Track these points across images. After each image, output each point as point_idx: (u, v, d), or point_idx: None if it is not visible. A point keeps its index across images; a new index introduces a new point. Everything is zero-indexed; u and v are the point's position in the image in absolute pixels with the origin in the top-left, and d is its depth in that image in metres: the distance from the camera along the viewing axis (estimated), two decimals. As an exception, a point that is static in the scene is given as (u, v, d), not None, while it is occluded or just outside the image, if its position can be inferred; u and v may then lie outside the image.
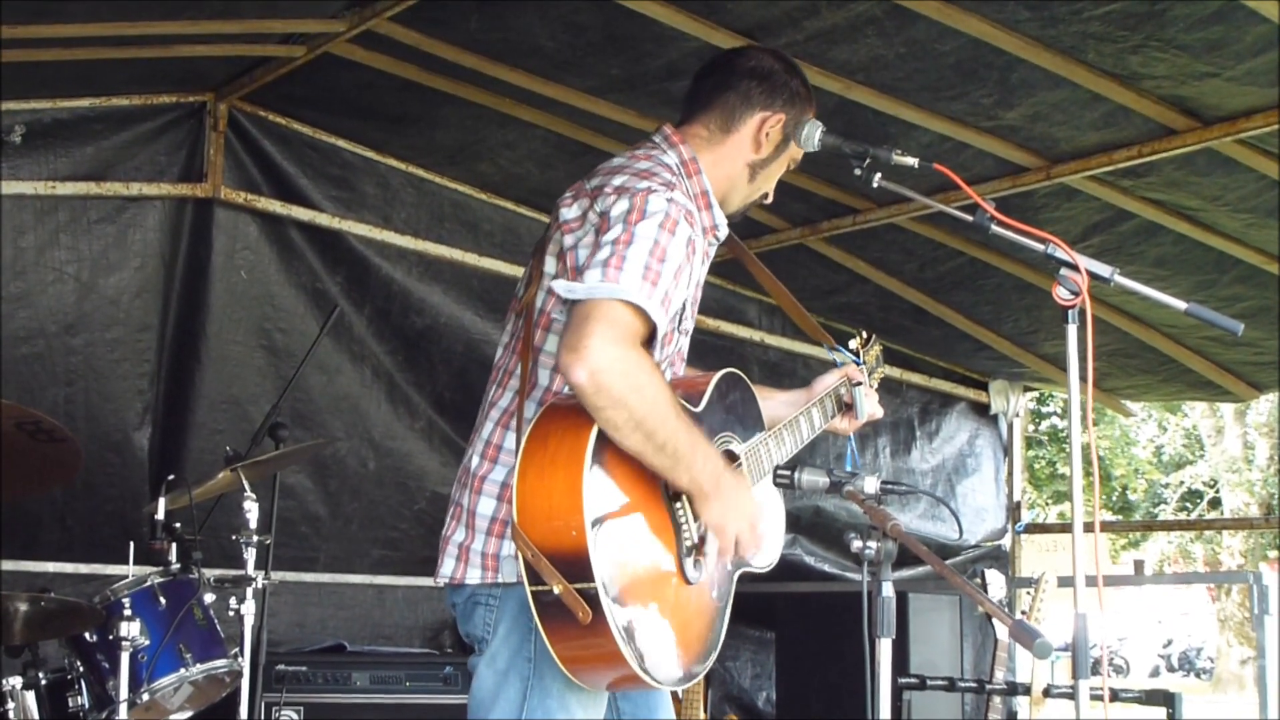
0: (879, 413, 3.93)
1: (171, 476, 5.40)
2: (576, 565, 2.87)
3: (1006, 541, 9.83)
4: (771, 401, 3.71)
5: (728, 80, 3.47)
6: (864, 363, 4.02)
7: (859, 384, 3.87)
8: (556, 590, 2.87)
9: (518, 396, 3.22)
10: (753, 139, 3.44)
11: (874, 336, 4.13)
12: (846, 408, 3.89)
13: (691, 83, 3.56)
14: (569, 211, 3.26)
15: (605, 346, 2.87)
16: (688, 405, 3.21)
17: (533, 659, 3.12)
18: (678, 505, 3.13)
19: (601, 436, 2.94)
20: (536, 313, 3.27)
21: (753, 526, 3.21)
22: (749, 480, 3.39)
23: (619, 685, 3.17)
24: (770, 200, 3.63)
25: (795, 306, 4.00)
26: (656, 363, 3.24)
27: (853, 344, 4.03)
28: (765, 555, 3.51)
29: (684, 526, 3.14)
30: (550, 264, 3.24)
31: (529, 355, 3.25)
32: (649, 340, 3.02)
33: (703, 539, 3.19)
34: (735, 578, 3.38)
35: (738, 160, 3.45)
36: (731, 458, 3.37)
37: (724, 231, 3.47)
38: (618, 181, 3.19)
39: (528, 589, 2.95)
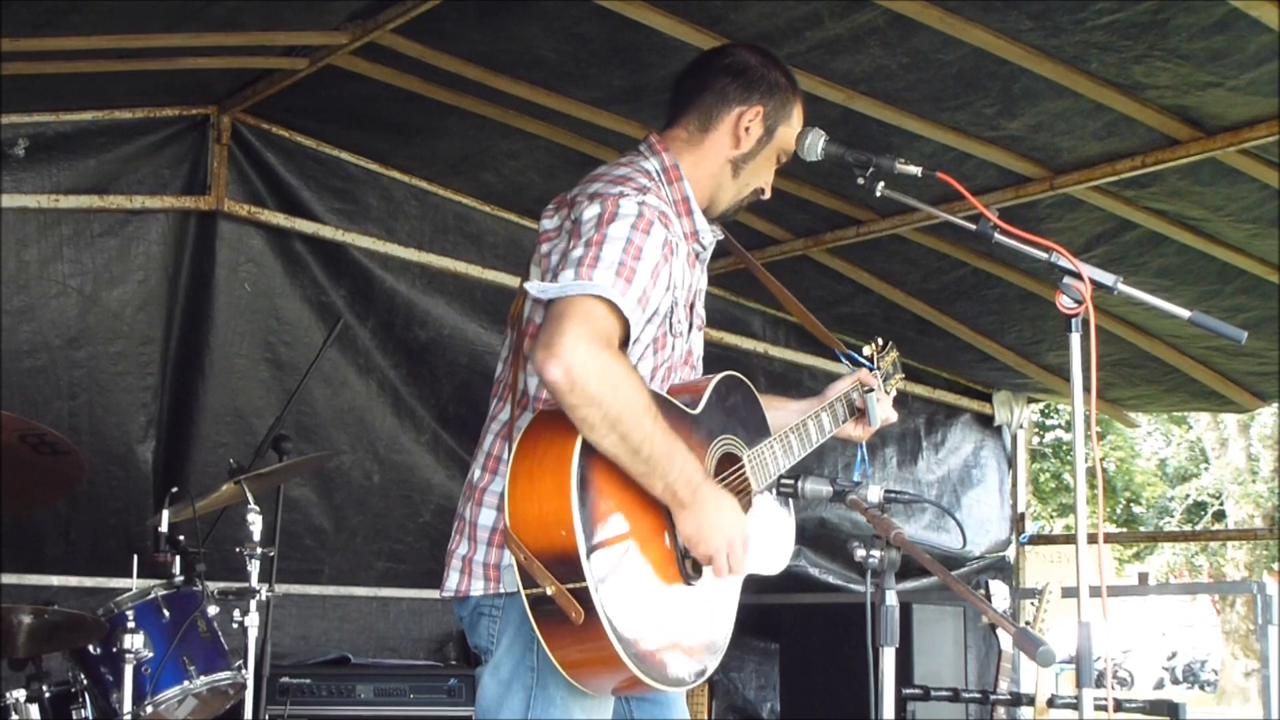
0: (893, 417, 3.89)
1: (175, 489, 5.38)
2: (567, 565, 2.86)
3: (1010, 553, 9.82)
4: (782, 411, 3.67)
5: (704, 80, 3.46)
6: (878, 369, 3.99)
7: (871, 390, 3.84)
8: (549, 591, 2.87)
9: (513, 408, 3.22)
10: (731, 135, 3.41)
11: (890, 343, 4.08)
12: (859, 413, 3.85)
13: (673, 86, 3.55)
14: (549, 223, 3.28)
15: (579, 344, 2.85)
16: (685, 408, 3.20)
17: (535, 668, 3.11)
18: None
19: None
20: (524, 323, 3.28)
21: (733, 548, 3.12)
22: (754, 484, 3.37)
23: (622, 689, 3.15)
24: (768, 196, 3.60)
25: (805, 314, 3.99)
26: (654, 367, 3.25)
27: (866, 350, 3.99)
28: (772, 560, 3.49)
29: None
30: (534, 274, 3.24)
31: (519, 366, 3.26)
32: (625, 340, 3.00)
33: None
34: (741, 579, 3.35)
35: (718, 157, 3.43)
36: (733, 461, 3.34)
37: (707, 238, 3.44)
38: (592, 189, 3.19)
39: (523, 593, 2.94)
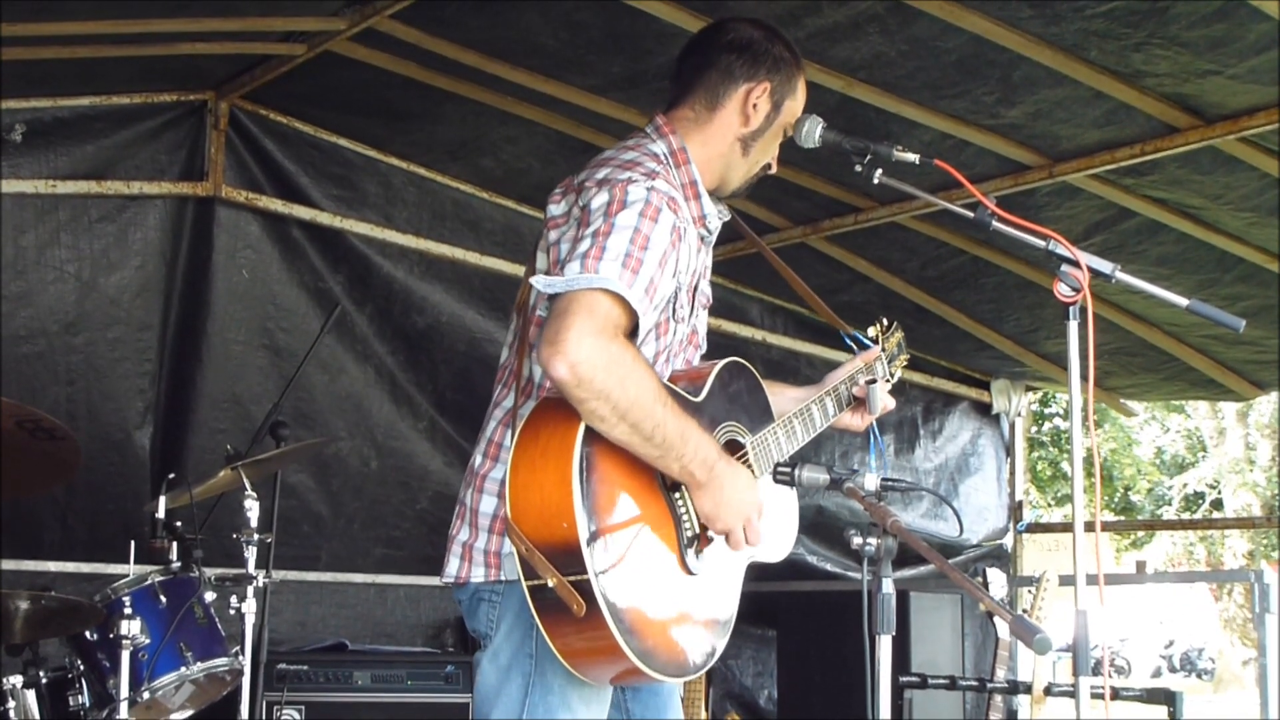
0: (891, 404, 3.82)
1: (172, 475, 5.39)
2: (569, 557, 2.86)
3: (1008, 541, 9.83)
4: (782, 398, 3.65)
5: (708, 58, 3.43)
6: (883, 350, 3.96)
7: (873, 381, 3.80)
8: (550, 583, 2.87)
9: (518, 395, 3.22)
10: (740, 112, 3.39)
11: (894, 324, 4.05)
12: (857, 402, 3.81)
13: (675, 65, 3.52)
14: (556, 208, 3.25)
15: (584, 338, 2.84)
16: (688, 395, 3.19)
17: (534, 655, 3.11)
18: (676, 495, 3.11)
19: (591, 428, 2.92)
20: (530, 310, 3.27)
21: (750, 521, 3.17)
22: (756, 470, 3.34)
23: (622, 679, 3.15)
24: (775, 170, 3.59)
25: (811, 295, 3.97)
26: (656, 352, 3.24)
27: (871, 331, 3.96)
28: (776, 547, 3.48)
29: (684, 517, 3.12)
30: (541, 260, 3.23)
31: (524, 353, 3.25)
32: (633, 330, 2.99)
33: (705, 528, 3.16)
34: (744, 569, 3.34)
35: (727, 136, 3.40)
36: (736, 447, 3.32)
37: (714, 222, 3.43)
38: (601, 174, 3.17)
39: (524, 583, 2.94)
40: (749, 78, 3.39)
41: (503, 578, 3.15)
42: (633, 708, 3.46)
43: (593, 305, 2.89)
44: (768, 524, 3.32)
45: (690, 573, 3.12)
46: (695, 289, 3.39)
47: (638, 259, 2.97)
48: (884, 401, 3.79)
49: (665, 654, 3.02)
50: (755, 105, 3.40)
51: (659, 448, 2.97)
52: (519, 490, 2.95)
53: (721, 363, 3.39)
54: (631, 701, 3.46)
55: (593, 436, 2.93)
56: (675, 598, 3.09)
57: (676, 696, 3.54)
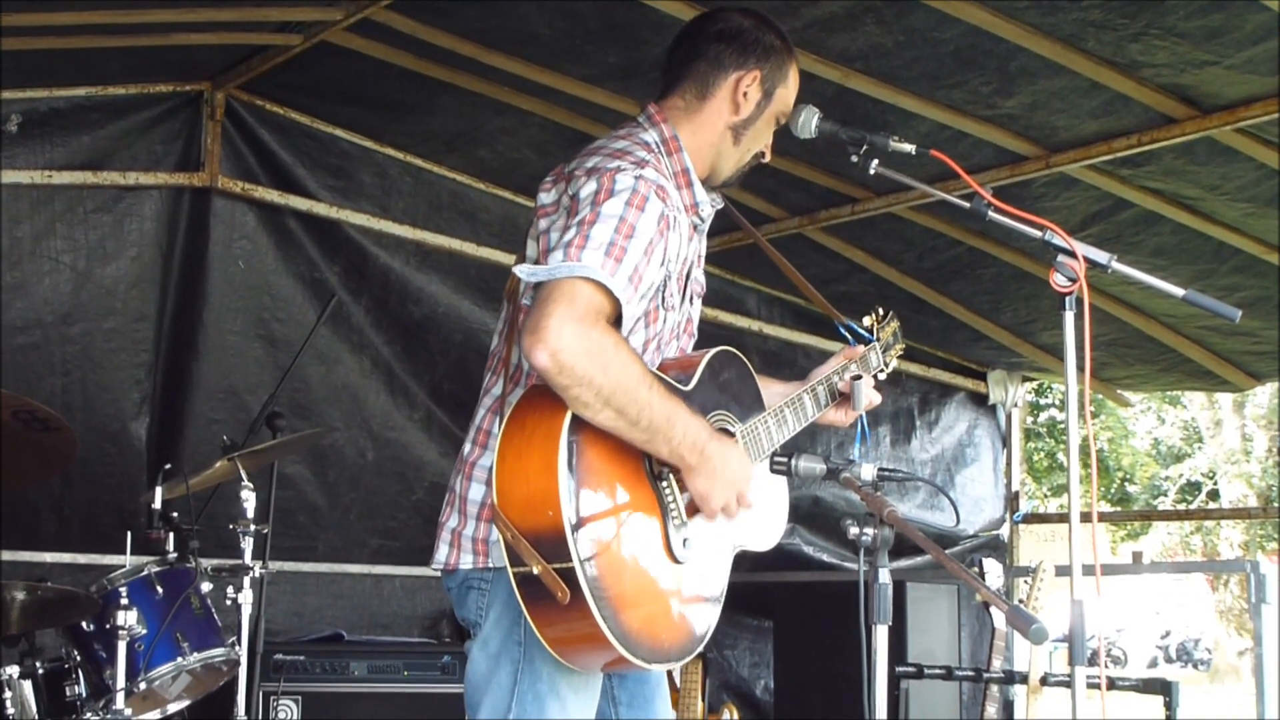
0: (877, 400, 3.80)
1: (169, 466, 5.40)
2: (553, 545, 2.86)
3: (1005, 531, 9.83)
4: (768, 392, 3.64)
5: (697, 48, 3.43)
6: (878, 339, 3.95)
7: (859, 377, 3.79)
8: (535, 570, 2.87)
9: (506, 383, 3.22)
10: (730, 101, 3.39)
11: (890, 313, 4.04)
12: (843, 398, 3.79)
13: (666, 55, 3.52)
14: (547, 196, 3.25)
15: (565, 326, 2.84)
16: (678, 384, 3.18)
17: (522, 643, 3.11)
18: (663, 484, 3.11)
19: (578, 416, 2.92)
20: (519, 298, 3.27)
21: (741, 494, 3.17)
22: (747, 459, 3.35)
23: (610, 667, 3.16)
24: (769, 159, 3.58)
25: (805, 284, 3.96)
26: (646, 340, 3.24)
27: (866, 321, 3.95)
28: (765, 536, 3.48)
29: (671, 506, 3.11)
30: (531, 248, 3.24)
31: (514, 341, 3.25)
32: (617, 318, 2.99)
33: (693, 514, 3.16)
34: (732, 558, 3.34)
35: (717, 125, 3.40)
36: (726, 436, 3.31)
37: (706, 210, 3.42)
38: (590, 163, 3.17)
39: (510, 571, 2.94)
40: (738, 66, 3.39)
41: (490, 565, 3.15)
42: (619, 696, 3.47)
43: (573, 293, 2.90)
44: (757, 511, 3.33)
45: (677, 561, 3.12)
46: (687, 276, 3.39)
47: (622, 247, 2.97)
48: (869, 397, 3.77)
49: (650, 643, 3.02)
50: (745, 94, 3.40)
51: (646, 431, 2.97)
52: (505, 477, 2.95)
53: (712, 351, 3.38)
54: (619, 690, 3.46)
55: (579, 424, 2.93)
56: (661, 586, 3.08)
57: (664, 687, 3.54)
